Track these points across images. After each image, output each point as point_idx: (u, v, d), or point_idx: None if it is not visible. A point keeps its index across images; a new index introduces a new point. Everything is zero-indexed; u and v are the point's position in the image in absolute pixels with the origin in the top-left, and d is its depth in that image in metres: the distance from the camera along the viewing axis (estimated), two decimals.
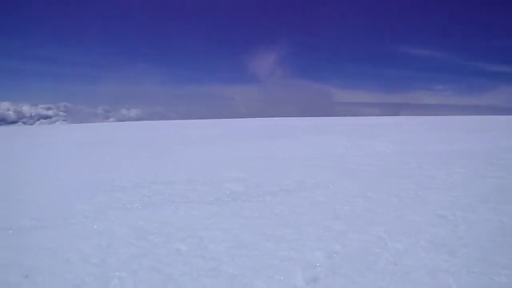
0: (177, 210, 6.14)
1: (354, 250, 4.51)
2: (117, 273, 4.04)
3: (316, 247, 4.60)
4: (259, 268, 4.08)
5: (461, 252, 4.39)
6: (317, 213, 5.90)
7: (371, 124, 26.29)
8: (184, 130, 23.69)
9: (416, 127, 22.99)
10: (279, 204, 6.45)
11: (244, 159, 11.29)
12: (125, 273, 4.05)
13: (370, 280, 3.79)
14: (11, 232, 5.34)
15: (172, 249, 4.64)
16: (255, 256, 4.38)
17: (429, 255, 4.33)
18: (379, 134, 18.23)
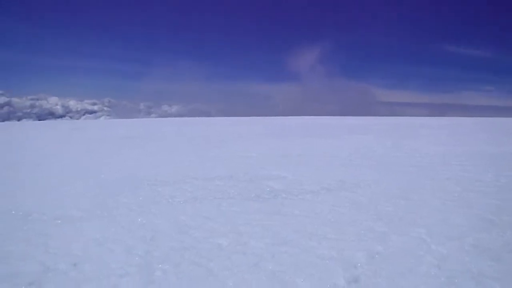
0: (218, 206, 6.22)
1: (396, 251, 4.44)
2: (160, 265, 4.13)
3: (357, 247, 4.56)
4: (300, 265, 4.08)
5: (508, 258, 4.26)
6: (358, 213, 5.85)
7: (415, 124, 25.77)
8: (223, 127, 23.91)
9: (462, 128, 22.38)
10: (319, 202, 6.43)
11: (284, 157, 11.29)
12: (167, 265, 4.14)
13: (412, 283, 3.73)
14: (59, 222, 5.55)
15: (213, 244, 4.70)
16: (296, 253, 4.39)
17: (474, 259, 4.21)
18: (422, 135, 17.85)
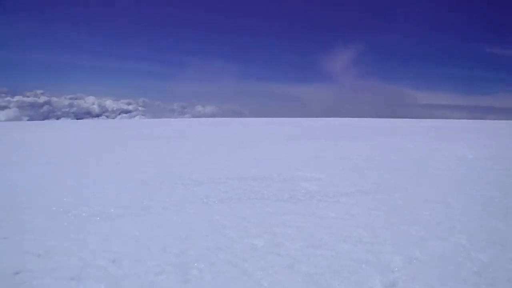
0: (252, 206, 6.23)
1: (434, 257, 4.35)
2: (195, 264, 4.17)
3: (394, 251, 4.49)
4: (335, 268, 4.05)
5: None
6: (394, 217, 5.75)
7: (453, 127, 25.19)
8: (256, 128, 23.97)
9: (503, 131, 21.73)
10: (354, 205, 6.36)
11: (317, 158, 11.23)
12: (203, 264, 4.18)
13: None
14: (98, 219, 5.68)
15: (247, 244, 4.72)
16: (331, 256, 4.35)
17: None
18: (461, 138, 17.44)
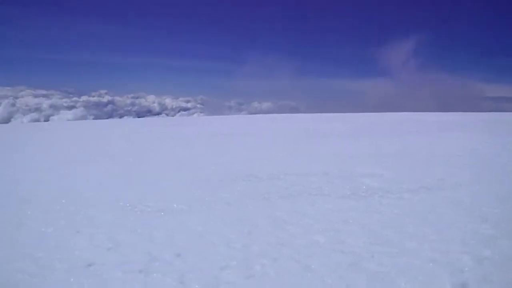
0: (313, 203, 6.20)
1: (507, 257, 4.15)
2: (258, 260, 4.21)
3: (462, 250, 4.32)
4: (401, 267, 3.96)
5: None
6: (461, 214, 5.54)
7: None
8: (313, 124, 23.72)
9: None
10: (419, 202, 6.18)
11: (378, 154, 10.98)
12: (266, 260, 4.21)
13: None
14: (162, 214, 5.85)
15: (310, 240, 4.70)
16: (396, 254, 4.26)
17: None
18: None
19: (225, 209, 5.99)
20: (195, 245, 4.66)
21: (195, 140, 15.94)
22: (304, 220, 5.40)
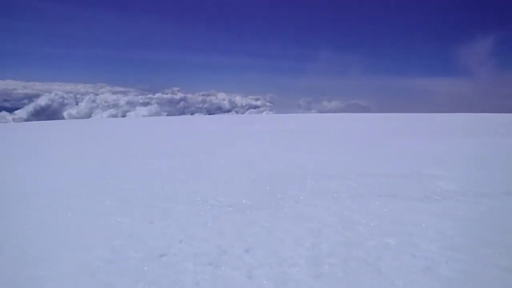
0: (384, 204, 6.05)
1: None
2: (327, 259, 4.18)
3: None
4: (477, 274, 3.78)
5: None
6: None
7: None
8: (384, 123, 23.13)
9: None
10: (498, 208, 5.85)
11: (453, 156, 10.50)
12: (335, 260, 4.17)
13: None
14: (231, 209, 5.95)
15: (380, 242, 4.60)
16: (472, 261, 4.07)
17: None
18: None
19: (294, 207, 5.99)
20: (264, 241, 4.71)
21: (264, 137, 16.06)
22: (375, 221, 5.29)
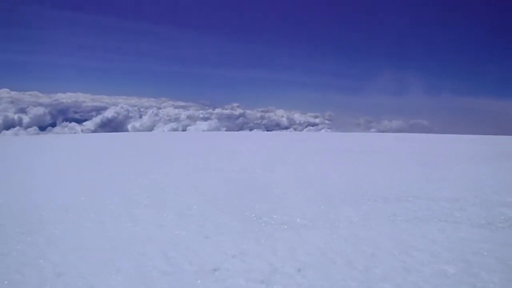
0: (443, 229, 5.84)
1: None
2: (380, 284, 4.09)
3: None
4: None
5: None
6: None
7: None
8: (448, 145, 22.32)
9: None
10: None
11: None
12: (388, 285, 4.07)
13: None
14: (285, 227, 5.96)
15: (438, 269, 4.44)
16: None
17: None
18: None
19: (349, 228, 5.91)
20: (317, 261, 4.67)
21: (322, 156, 15.96)
22: (432, 247, 5.12)
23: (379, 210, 6.92)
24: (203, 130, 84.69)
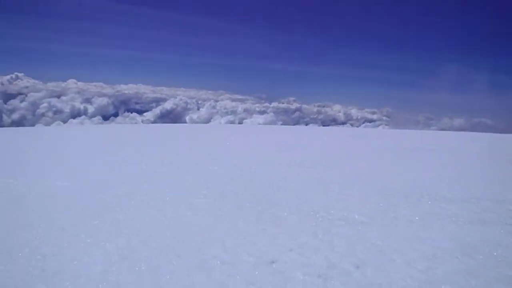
0: (509, 233, 5.60)
1: None
2: (442, 286, 4.00)
3: None
4: None
5: None
6: None
7: None
8: None
9: None
10: None
11: None
12: (449, 287, 3.97)
13: None
14: (343, 223, 5.92)
15: (502, 274, 4.32)
16: None
17: None
18: None
19: (408, 227, 5.79)
20: (375, 259, 4.62)
21: (380, 152, 15.65)
22: (497, 250, 4.93)
23: (440, 210, 6.71)
24: (259, 124, 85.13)
